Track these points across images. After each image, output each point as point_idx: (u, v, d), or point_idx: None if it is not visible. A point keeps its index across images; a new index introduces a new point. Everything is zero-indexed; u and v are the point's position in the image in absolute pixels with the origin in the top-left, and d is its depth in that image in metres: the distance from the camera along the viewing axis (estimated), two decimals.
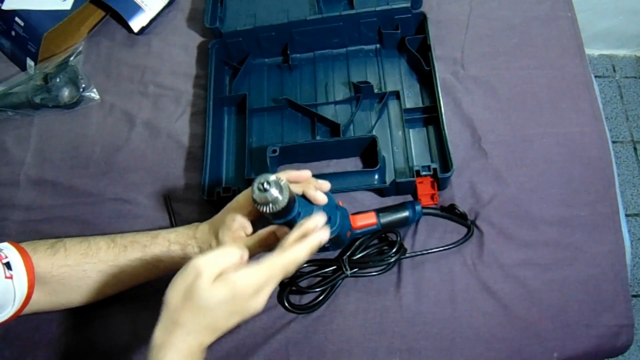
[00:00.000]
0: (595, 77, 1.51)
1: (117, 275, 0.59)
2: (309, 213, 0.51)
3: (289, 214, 0.49)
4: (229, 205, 0.56)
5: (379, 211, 0.65)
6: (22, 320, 0.67)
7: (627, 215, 1.42)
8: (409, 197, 0.70)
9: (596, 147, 0.70)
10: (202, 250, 0.58)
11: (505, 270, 0.65)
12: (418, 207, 0.65)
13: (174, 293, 0.44)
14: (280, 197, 0.45)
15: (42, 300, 0.58)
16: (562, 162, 0.70)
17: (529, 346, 0.61)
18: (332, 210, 0.54)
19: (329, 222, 0.54)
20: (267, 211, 0.46)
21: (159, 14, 0.89)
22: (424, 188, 0.67)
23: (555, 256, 0.65)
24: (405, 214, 0.65)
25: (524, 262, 0.65)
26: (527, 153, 0.71)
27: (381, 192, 0.70)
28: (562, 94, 0.74)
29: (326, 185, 0.54)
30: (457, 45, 0.80)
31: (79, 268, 0.57)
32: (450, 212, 0.67)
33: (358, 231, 0.64)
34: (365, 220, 0.64)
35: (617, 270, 0.64)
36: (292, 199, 0.48)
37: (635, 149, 1.50)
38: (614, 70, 1.60)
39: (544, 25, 0.80)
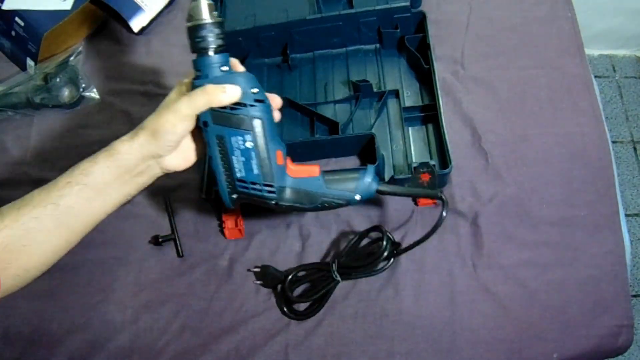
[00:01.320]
0: (595, 77, 1.51)
1: (59, 217, 0.53)
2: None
3: (205, 53, 0.52)
4: (163, 104, 0.57)
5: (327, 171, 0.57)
6: (22, 320, 0.67)
7: (627, 215, 1.42)
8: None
9: (596, 147, 0.70)
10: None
11: (505, 270, 0.64)
12: (370, 176, 0.55)
13: None
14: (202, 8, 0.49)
15: None
16: (562, 162, 0.70)
17: (528, 347, 0.61)
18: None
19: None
20: (191, 23, 0.50)
21: (159, 14, 0.89)
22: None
23: (555, 256, 0.65)
24: (355, 175, 0.55)
25: (524, 263, 0.65)
26: (527, 153, 0.70)
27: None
28: (562, 94, 0.74)
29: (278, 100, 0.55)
30: (457, 45, 0.80)
31: (18, 225, 0.51)
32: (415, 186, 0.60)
33: (300, 180, 0.54)
34: (306, 170, 0.55)
35: (617, 271, 0.64)
36: (218, 27, 0.50)
37: (635, 149, 1.50)
38: (614, 70, 1.60)
39: (544, 25, 0.79)
